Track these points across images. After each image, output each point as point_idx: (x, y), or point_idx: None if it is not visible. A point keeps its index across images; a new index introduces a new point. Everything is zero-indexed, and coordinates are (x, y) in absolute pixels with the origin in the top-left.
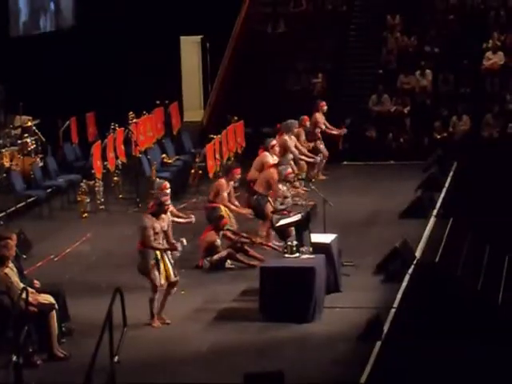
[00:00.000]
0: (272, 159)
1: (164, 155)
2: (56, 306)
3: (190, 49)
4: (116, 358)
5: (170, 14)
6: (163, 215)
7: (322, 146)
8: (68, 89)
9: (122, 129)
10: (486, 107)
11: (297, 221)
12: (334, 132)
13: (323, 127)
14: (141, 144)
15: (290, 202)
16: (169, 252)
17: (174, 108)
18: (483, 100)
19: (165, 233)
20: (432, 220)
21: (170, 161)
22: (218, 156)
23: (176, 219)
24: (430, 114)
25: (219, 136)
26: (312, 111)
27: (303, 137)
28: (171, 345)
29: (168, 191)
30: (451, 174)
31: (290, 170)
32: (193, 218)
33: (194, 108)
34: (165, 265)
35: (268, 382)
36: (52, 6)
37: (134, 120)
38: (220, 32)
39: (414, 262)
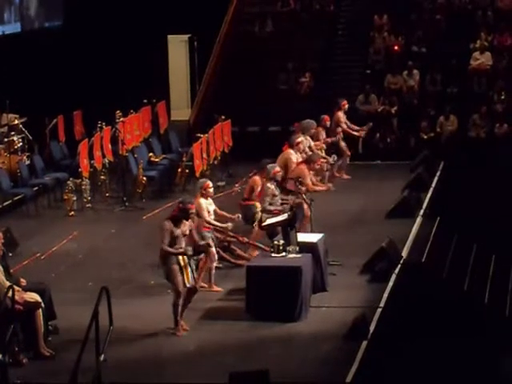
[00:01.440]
0: (295, 157)
1: (151, 154)
2: (42, 305)
3: (178, 48)
4: (102, 357)
5: (158, 13)
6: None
7: (343, 145)
8: (55, 87)
9: (109, 127)
10: (473, 107)
11: (283, 220)
12: (355, 133)
13: (344, 126)
14: (128, 143)
15: (279, 201)
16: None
17: (161, 107)
18: (470, 100)
19: (189, 236)
20: (418, 220)
21: (156, 160)
22: (205, 155)
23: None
24: (417, 114)
25: (206, 135)
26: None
27: (322, 136)
28: (158, 344)
29: (211, 190)
30: (438, 173)
31: (277, 168)
32: (237, 216)
33: (181, 107)
34: (186, 270)
35: (253, 381)
36: None
37: (121, 119)
38: (208, 31)
39: (401, 261)
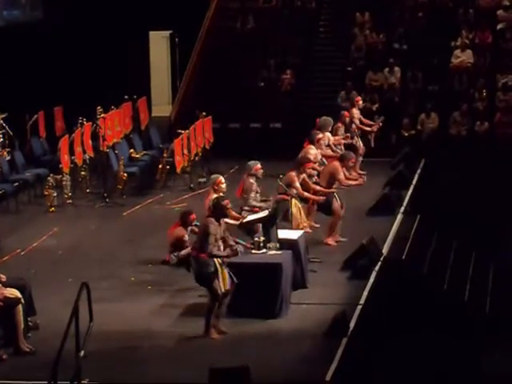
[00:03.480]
0: (317, 153)
1: (132, 150)
2: (22, 301)
3: (159, 44)
4: (82, 353)
5: (139, 9)
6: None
7: (358, 142)
8: (36, 83)
9: (90, 123)
10: (454, 105)
11: (264, 217)
12: (367, 128)
13: (357, 122)
14: (108, 139)
15: (259, 198)
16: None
17: (142, 103)
18: (451, 98)
19: (223, 238)
20: (399, 217)
21: (137, 156)
22: (186, 151)
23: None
24: (399, 111)
25: (187, 131)
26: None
27: (342, 132)
28: (138, 340)
29: (224, 186)
30: (419, 171)
31: (259, 165)
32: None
33: (162, 103)
34: (223, 272)
35: (234, 377)
36: None
37: (102, 115)
38: (189, 27)
39: (381, 258)
